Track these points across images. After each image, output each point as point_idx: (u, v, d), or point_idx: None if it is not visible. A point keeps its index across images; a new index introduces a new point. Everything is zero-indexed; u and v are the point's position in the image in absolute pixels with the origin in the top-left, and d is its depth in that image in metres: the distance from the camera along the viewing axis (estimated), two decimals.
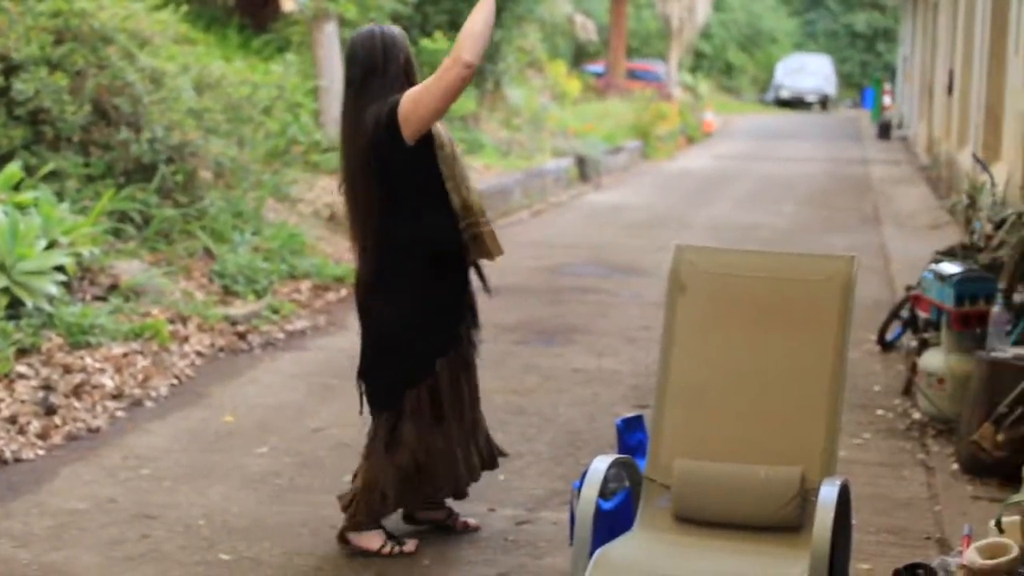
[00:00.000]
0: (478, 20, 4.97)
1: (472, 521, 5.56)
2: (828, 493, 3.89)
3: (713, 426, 4.34)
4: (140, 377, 7.55)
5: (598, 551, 3.95)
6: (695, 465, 4.26)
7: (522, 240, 13.68)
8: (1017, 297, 7.47)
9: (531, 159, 18.33)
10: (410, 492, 5.24)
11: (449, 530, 5.47)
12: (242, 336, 8.74)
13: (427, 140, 5.08)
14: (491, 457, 5.51)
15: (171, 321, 8.47)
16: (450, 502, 5.52)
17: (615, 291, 10.87)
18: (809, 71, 48.48)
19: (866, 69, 51.76)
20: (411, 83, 5.14)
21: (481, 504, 5.77)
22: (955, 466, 6.41)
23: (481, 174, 15.77)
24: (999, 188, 8.71)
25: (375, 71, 5.09)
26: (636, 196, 18.47)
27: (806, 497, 4.12)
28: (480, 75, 17.86)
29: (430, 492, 5.31)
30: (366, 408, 5.31)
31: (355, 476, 5.30)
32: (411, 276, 5.15)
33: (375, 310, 5.21)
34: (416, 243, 5.13)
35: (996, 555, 4.44)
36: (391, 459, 5.17)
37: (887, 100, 35.87)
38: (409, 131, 5.00)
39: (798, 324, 4.35)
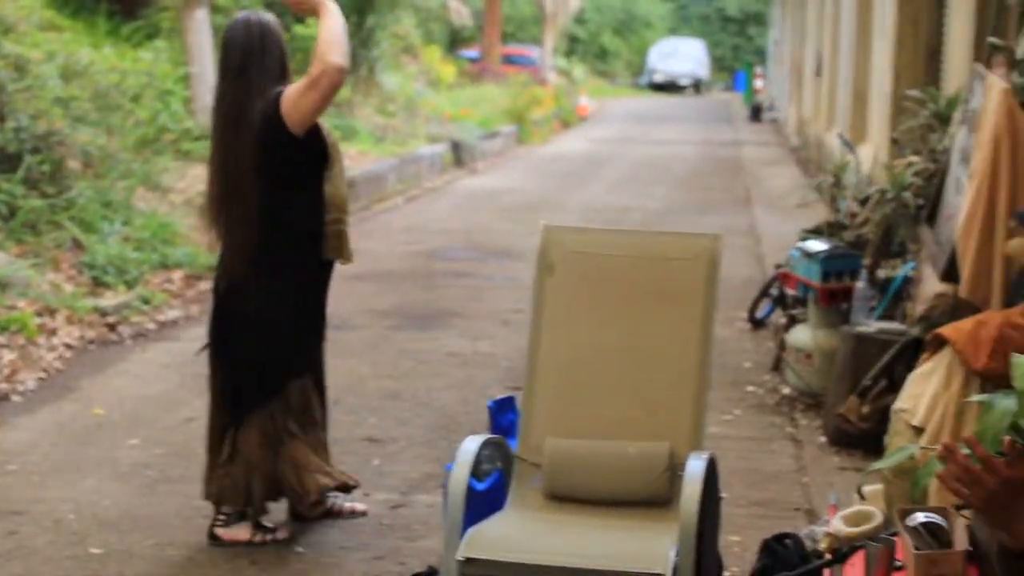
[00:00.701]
0: (333, 27, 5.02)
1: (359, 506, 5.56)
2: (695, 467, 3.94)
3: (583, 405, 4.37)
4: (6, 371, 7.40)
5: (470, 530, 3.96)
6: (565, 443, 4.29)
7: (396, 226, 13.67)
8: (881, 273, 7.64)
9: (406, 145, 18.29)
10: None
11: (332, 515, 5.44)
12: (112, 327, 8.62)
13: (315, 130, 5.10)
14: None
15: (39, 314, 8.32)
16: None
17: (490, 275, 10.91)
18: (682, 55, 48.97)
19: (738, 53, 52.42)
20: (285, 74, 5.13)
21: (355, 490, 5.76)
22: (822, 439, 6.54)
23: (355, 161, 15.69)
24: (864, 167, 8.89)
25: (252, 57, 5.05)
26: (511, 180, 18.51)
27: (675, 472, 4.16)
28: (354, 61, 17.74)
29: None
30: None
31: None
32: (296, 265, 5.14)
33: (256, 300, 5.13)
34: (303, 232, 5.11)
35: (861, 523, 4.53)
36: (282, 454, 5.14)
37: (758, 83, 36.36)
38: (292, 125, 4.99)
39: (665, 302, 4.40)
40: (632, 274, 4.44)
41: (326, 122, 5.24)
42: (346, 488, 5.37)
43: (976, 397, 3.95)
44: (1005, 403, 3.51)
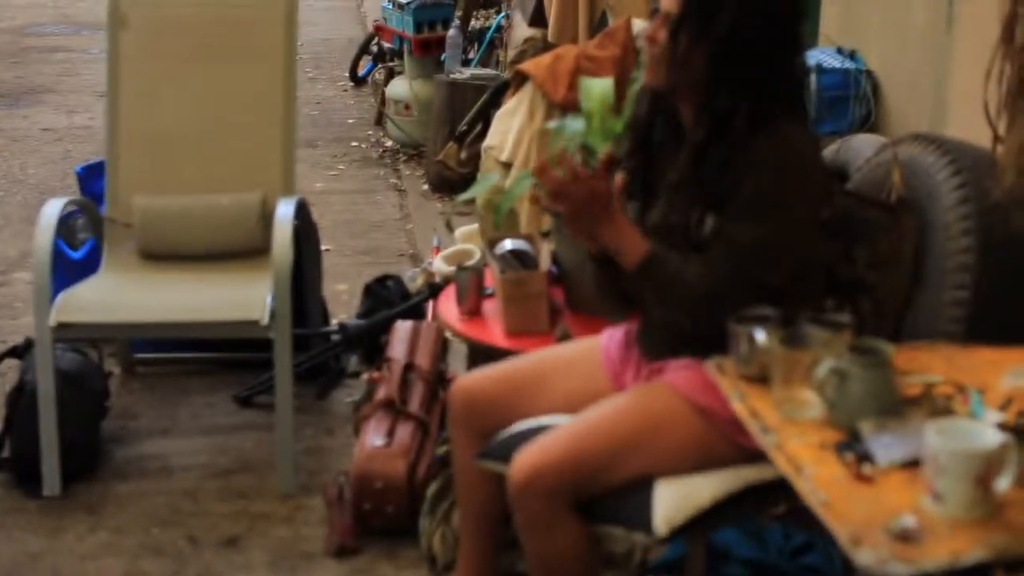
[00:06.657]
0: None
1: None
2: (285, 210, 3.96)
3: (171, 160, 4.30)
4: None
5: (60, 295, 3.87)
6: (156, 200, 4.22)
7: None
8: (475, 23, 7.75)
9: None
10: None
11: None
12: None
13: None
14: None
15: None
16: None
17: (84, 48, 10.46)
18: None
19: None
20: None
21: None
22: (425, 186, 6.68)
23: None
24: None
25: None
26: None
27: (268, 220, 4.17)
28: None
29: None
30: None
31: None
32: None
33: None
34: None
35: (462, 261, 4.69)
36: None
37: None
38: None
39: (247, 53, 4.33)
40: (211, 25, 4.35)
41: None
42: None
43: (549, 124, 4.11)
44: (574, 125, 3.68)
